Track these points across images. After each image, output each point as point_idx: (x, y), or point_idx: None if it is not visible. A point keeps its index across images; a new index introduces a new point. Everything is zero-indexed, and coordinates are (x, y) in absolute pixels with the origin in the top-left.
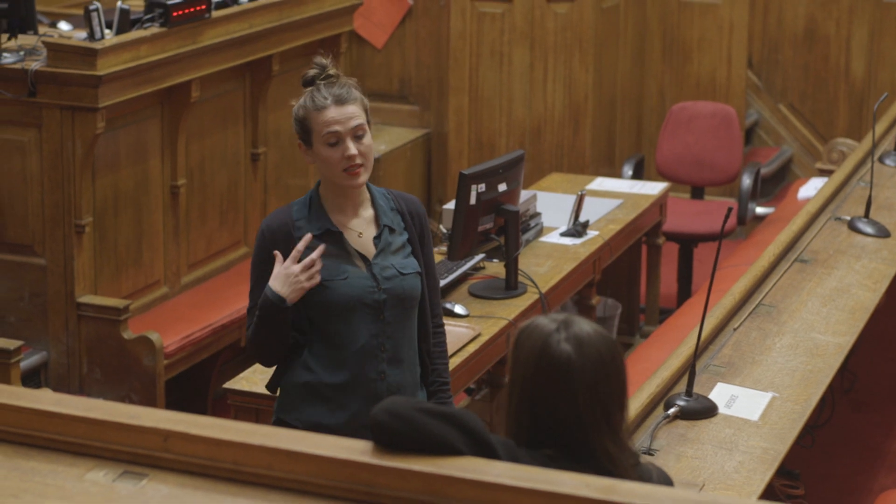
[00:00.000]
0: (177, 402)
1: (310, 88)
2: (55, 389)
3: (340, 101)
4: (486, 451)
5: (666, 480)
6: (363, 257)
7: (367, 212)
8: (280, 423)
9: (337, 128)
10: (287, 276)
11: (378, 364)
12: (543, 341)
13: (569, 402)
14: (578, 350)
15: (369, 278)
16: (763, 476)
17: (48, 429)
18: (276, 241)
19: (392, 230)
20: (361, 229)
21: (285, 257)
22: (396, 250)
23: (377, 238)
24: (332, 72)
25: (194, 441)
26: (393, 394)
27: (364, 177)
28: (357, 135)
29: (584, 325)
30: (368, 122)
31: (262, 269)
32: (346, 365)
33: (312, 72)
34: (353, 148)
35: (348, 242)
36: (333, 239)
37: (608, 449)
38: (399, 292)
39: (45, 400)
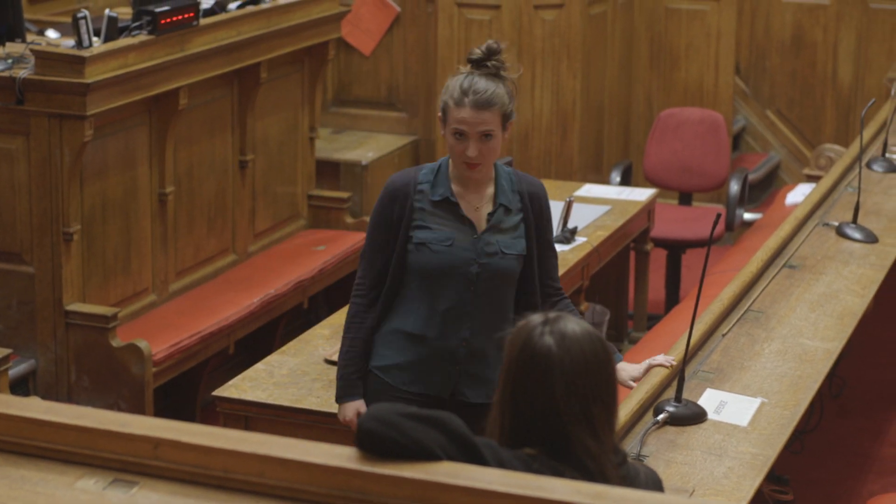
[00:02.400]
0: (165, 409)
1: (467, 72)
2: (43, 397)
3: (478, 106)
4: (471, 453)
5: (654, 479)
6: (473, 230)
7: (489, 189)
8: (369, 372)
9: (465, 128)
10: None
11: (461, 330)
12: (527, 334)
13: (547, 394)
14: (560, 343)
15: (471, 250)
16: (753, 482)
17: (38, 437)
18: (395, 197)
19: (508, 210)
20: (479, 204)
21: (400, 213)
22: (507, 229)
23: (491, 214)
24: (493, 62)
25: (185, 449)
26: (473, 361)
27: (480, 173)
28: (484, 136)
29: (571, 323)
30: (509, 119)
31: (378, 221)
32: (430, 321)
33: (477, 53)
34: (472, 149)
35: (463, 212)
36: (450, 206)
37: (587, 444)
38: (495, 269)
39: (35, 408)
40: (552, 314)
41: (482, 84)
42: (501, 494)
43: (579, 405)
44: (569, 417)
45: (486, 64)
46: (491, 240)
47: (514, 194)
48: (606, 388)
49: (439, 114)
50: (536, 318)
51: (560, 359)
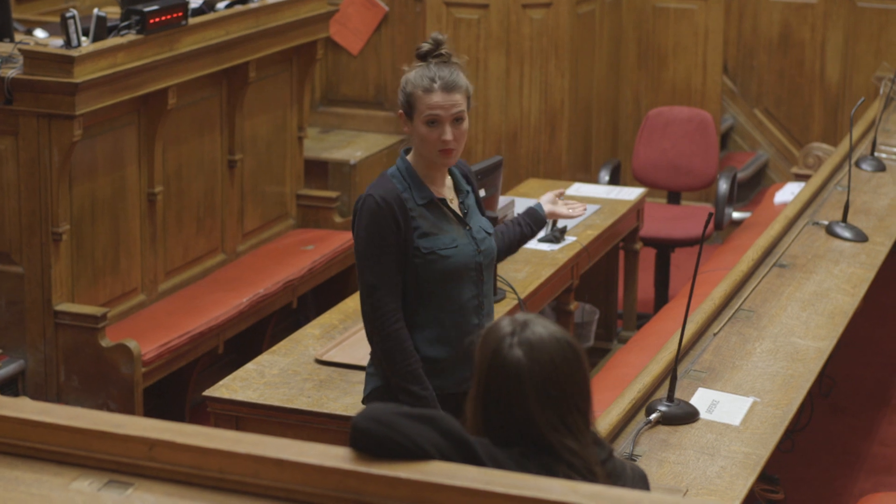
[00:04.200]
0: (155, 409)
1: (421, 63)
2: (32, 398)
3: (448, 88)
4: (466, 451)
5: (640, 475)
6: (461, 222)
7: (448, 179)
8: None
9: (439, 112)
10: None
11: (479, 319)
12: (496, 345)
13: (521, 405)
14: (529, 355)
15: (472, 243)
16: (745, 481)
17: (32, 438)
18: (393, 212)
19: (468, 193)
20: (450, 196)
21: (402, 227)
22: (475, 212)
23: (461, 203)
24: (444, 51)
25: (180, 449)
26: None
27: (454, 158)
28: (456, 120)
29: (539, 328)
30: (469, 105)
31: (384, 243)
32: (450, 322)
33: (426, 46)
34: (449, 133)
35: (451, 208)
36: (436, 207)
37: (570, 446)
38: (490, 252)
39: (29, 408)
40: (520, 318)
41: (444, 70)
42: (497, 495)
43: (554, 412)
44: (546, 426)
45: (439, 53)
46: (475, 226)
47: (462, 178)
48: (579, 390)
49: (400, 111)
50: (505, 325)
51: (530, 371)
